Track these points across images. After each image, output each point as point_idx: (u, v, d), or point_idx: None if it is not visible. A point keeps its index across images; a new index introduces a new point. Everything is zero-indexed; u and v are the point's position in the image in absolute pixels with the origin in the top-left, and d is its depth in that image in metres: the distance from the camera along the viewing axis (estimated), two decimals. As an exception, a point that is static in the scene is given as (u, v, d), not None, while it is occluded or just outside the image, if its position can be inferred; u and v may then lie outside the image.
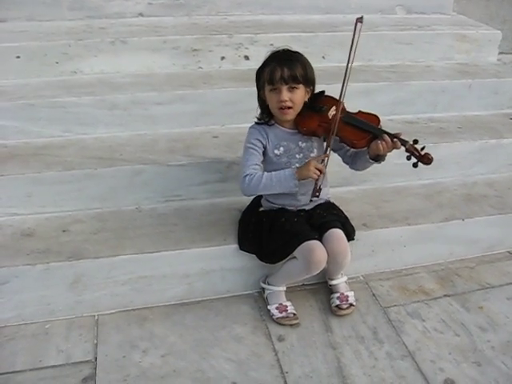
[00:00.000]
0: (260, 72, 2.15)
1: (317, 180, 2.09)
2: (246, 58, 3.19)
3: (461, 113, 3.24)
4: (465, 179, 2.91)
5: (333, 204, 2.38)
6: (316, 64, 3.18)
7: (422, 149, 2.05)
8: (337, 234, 2.19)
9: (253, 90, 2.82)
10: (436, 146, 2.83)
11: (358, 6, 3.79)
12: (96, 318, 2.23)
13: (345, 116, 2.15)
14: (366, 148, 2.12)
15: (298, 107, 2.14)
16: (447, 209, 2.64)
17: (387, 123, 3.01)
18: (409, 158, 2.05)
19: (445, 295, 2.40)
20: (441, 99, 3.20)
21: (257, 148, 2.19)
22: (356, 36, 2.10)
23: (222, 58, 3.19)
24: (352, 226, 2.31)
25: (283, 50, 2.16)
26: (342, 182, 2.63)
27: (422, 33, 3.52)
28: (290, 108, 2.11)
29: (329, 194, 2.38)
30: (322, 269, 2.15)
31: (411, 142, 2.06)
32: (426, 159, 2.03)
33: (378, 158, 2.13)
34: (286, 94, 2.08)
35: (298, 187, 2.12)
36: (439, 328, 2.22)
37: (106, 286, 2.22)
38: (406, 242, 2.52)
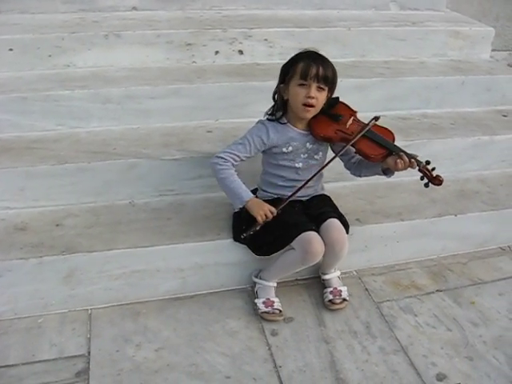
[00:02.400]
0: (290, 66, 2.14)
1: (257, 224, 2.11)
2: (240, 52, 3.18)
3: (454, 109, 3.25)
4: (457, 175, 2.92)
5: (328, 196, 2.41)
6: (310, 59, 3.22)
7: (433, 169, 2.15)
8: (335, 223, 2.21)
9: (247, 84, 2.84)
10: (429, 141, 2.85)
11: (352, 2, 3.80)
12: (89, 312, 2.23)
13: (363, 129, 2.19)
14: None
15: (319, 108, 2.17)
16: (440, 205, 2.66)
17: (380, 119, 3.04)
18: (422, 178, 2.16)
19: (437, 290, 2.42)
20: (434, 95, 3.21)
21: (252, 144, 2.19)
22: (367, 127, 2.19)
23: (216, 52, 3.18)
24: (346, 220, 2.32)
25: (314, 51, 2.17)
26: (336, 178, 2.63)
27: (416, 29, 3.52)
28: (313, 106, 2.13)
29: (323, 189, 2.42)
30: (318, 260, 2.16)
31: (424, 163, 2.15)
32: (438, 181, 2.15)
33: (388, 172, 2.21)
34: (314, 92, 2.10)
35: (238, 210, 2.18)
36: (431, 323, 2.24)
37: (100, 280, 2.22)
38: (399, 237, 2.53)
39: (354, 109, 2.27)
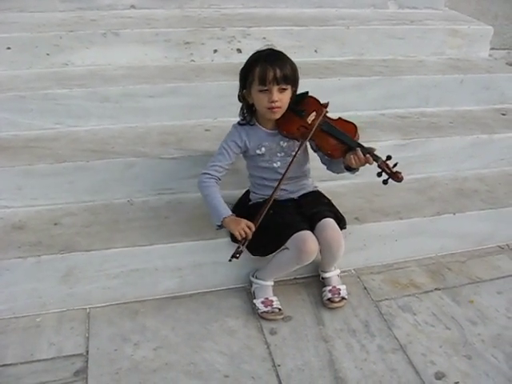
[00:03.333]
0: (247, 71, 2.11)
1: (239, 242, 2.09)
2: (239, 51, 3.18)
3: (452, 108, 3.25)
4: (456, 174, 2.92)
5: (321, 193, 2.40)
6: (308, 58, 3.24)
7: (395, 165, 2.06)
8: (330, 223, 2.20)
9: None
10: (428, 140, 2.85)
11: (351, 1, 3.81)
12: (88, 311, 2.23)
13: (324, 124, 2.16)
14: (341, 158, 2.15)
15: (285, 107, 2.15)
16: (439, 203, 2.65)
17: (379, 118, 3.05)
18: (379, 175, 2.08)
19: (436, 289, 2.42)
20: (432, 94, 3.21)
21: (229, 150, 2.20)
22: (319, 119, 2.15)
23: (215, 50, 3.18)
24: (342, 215, 2.32)
25: (269, 49, 2.14)
26: (334, 176, 2.61)
27: (414, 27, 3.53)
28: (279, 108, 2.11)
29: (314, 184, 2.40)
30: (312, 259, 2.15)
31: (384, 159, 2.07)
32: (397, 177, 2.06)
33: (351, 169, 2.16)
34: (276, 95, 2.07)
35: (217, 228, 2.16)
36: (430, 321, 2.24)
37: (98, 279, 2.22)
38: (397, 235, 2.53)
39: (324, 102, 2.20)
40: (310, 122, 2.15)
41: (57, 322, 2.16)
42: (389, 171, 2.06)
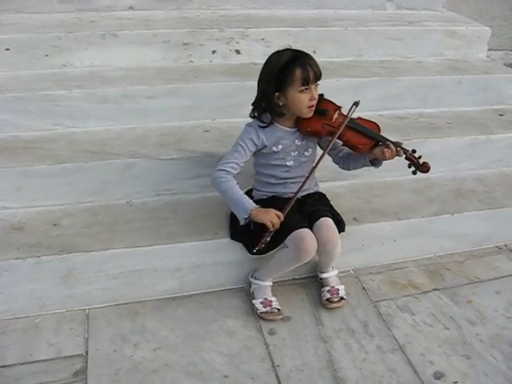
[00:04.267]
0: (284, 74, 2.07)
1: (267, 231, 2.08)
2: (237, 52, 3.18)
3: (450, 108, 3.25)
4: (454, 174, 2.93)
5: (323, 195, 2.41)
6: (307, 59, 3.22)
7: (420, 157, 2.17)
8: (327, 222, 2.20)
9: (244, 84, 2.83)
10: (426, 141, 2.86)
11: (349, 2, 3.81)
12: (87, 311, 2.23)
13: (349, 121, 2.20)
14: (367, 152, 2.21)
15: None
16: (437, 204, 2.66)
17: (377, 118, 3.03)
18: (410, 166, 2.18)
19: (434, 289, 2.43)
20: (431, 95, 3.22)
21: (246, 148, 2.19)
22: (350, 113, 2.20)
23: (213, 51, 3.18)
24: (341, 218, 2.32)
25: (293, 49, 2.16)
26: (332, 177, 2.64)
27: (412, 29, 3.54)
28: (315, 104, 2.15)
29: (317, 185, 2.41)
30: (311, 257, 2.15)
31: (410, 151, 2.17)
32: (425, 168, 2.17)
33: (376, 163, 2.22)
34: (315, 92, 2.12)
35: (244, 222, 2.12)
36: (429, 321, 2.24)
37: (97, 280, 2.22)
38: (396, 236, 2.54)
39: (339, 104, 2.27)
40: (333, 120, 2.19)
41: (56, 323, 2.16)
42: (417, 162, 2.17)
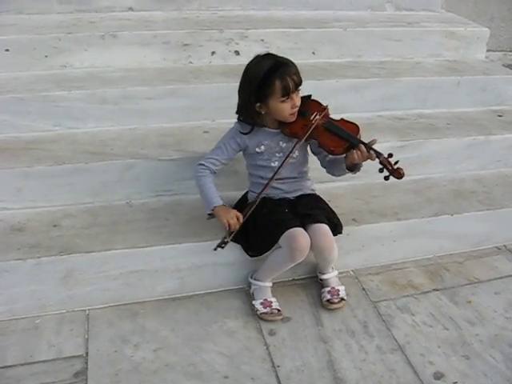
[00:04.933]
0: (263, 86, 2.07)
1: (227, 232, 2.11)
2: (237, 53, 3.19)
3: (449, 109, 3.26)
4: (454, 175, 2.93)
5: (318, 197, 2.40)
6: (306, 60, 3.24)
7: (396, 163, 2.09)
8: (322, 229, 2.20)
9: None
10: (425, 142, 2.87)
11: (348, 3, 3.81)
12: (87, 312, 2.23)
13: (326, 122, 2.19)
14: (343, 156, 2.17)
15: None
16: (436, 204, 2.67)
17: (376, 119, 3.07)
18: (381, 171, 2.10)
19: (434, 290, 2.43)
20: (430, 96, 3.22)
21: (228, 146, 2.23)
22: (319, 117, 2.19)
23: (213, 52, 3.18)
24: (339, 220, 2.33)
25: (272, 56, 2.14)
26: (331, 178, 2.61)
27: (411, 29, 3.54)
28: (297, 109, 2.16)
29: (312, 187, 2.40)
30: (305, 256, 2.16)
31: (385, 156, 2.10)
32: (398, 174, 2.08)
33: (354, 168, 2.19)
34: (297, 99, 2.12)
35: (208, 217, 2.19)
36: (428, 322, 2.24)
37: (98, 281, 2.22)
38: (395, 236, 2.54)
39: (324, 104, 2.24)
40: (312, 121, 2.17)
41: (56, 324, 2.16)
42: (390, 168, 2.08)
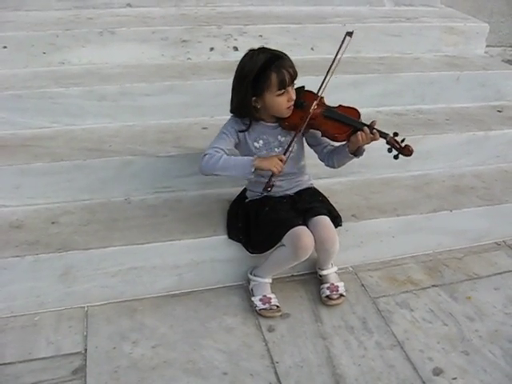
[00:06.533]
0: (259, 79, 2.06)
1: (272, 176, 2.09)
2: (235, 49, 3.18)
3: (449, 105, 3.25)
4: (453, 171, 2.93)
5: (317, 190, 2.40)
6: (305, 55, 3.24)
7: (402, 141, 2.09)
8: (324, 221, 2.20)
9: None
10: (424, 137, 2.86)
11: (347, -2, 3.80)
12: (86, 309, 2.23)
13: (325, 110, 2.18)
14: (345, 142, 2.15)
15: None
16: (435, 200, 2.66)
17: (376, 115, 3.05)
18: (390, 151, 2.10)
19: (433, 285, 2.43)
20: (429, 91, 3.22)
21: (229, 135, 2.19)
22: (342, 48, 2.16)
23: (211, 48, 3.18)
24: (338, 213, 2.32)
25: (267, 50, 2.12)
26: (330, 174, 2.63)
27: (411, 25, 3.54)
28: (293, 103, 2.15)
29: (309, 181, 2.40)
30: (309, 255, 2.15)
31: (391, 135, 2.09)
32: (407, 151, 2.08)
33: (357, 153, 2.16)
34: (293, 92, 2.11)
35: (253, 175, 2.10)
36: (428, 318, 2.24)
37: (96, 278, 2.22)
38: (394, 232, 2.54)
39: (320, 94, 2.21)
40: (311, 112, 2.15)
41: (55, 321, 2.16)
42: (398, 146, 2.08)
